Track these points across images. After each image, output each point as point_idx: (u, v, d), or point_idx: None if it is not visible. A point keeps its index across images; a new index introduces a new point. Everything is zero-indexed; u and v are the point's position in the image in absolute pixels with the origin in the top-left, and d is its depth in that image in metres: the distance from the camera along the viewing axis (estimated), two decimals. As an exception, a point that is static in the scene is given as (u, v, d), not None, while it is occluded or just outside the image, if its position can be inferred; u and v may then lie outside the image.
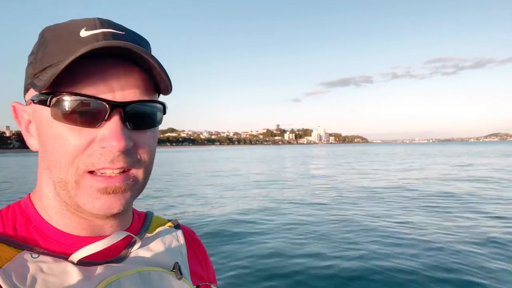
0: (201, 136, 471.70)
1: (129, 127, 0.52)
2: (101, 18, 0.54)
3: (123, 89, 0.51)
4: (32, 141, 0.57)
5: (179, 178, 18.84)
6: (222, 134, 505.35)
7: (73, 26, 0.52)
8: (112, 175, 0.52)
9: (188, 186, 14.66)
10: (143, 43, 0.57)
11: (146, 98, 0.54)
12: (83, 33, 0.51)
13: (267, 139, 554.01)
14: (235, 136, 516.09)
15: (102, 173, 0.51)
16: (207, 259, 0.78)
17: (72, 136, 0.50)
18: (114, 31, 0.52)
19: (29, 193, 0.62)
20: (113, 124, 0.50)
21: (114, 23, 0.55)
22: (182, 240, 0.71)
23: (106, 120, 0.50)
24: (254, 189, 13.43)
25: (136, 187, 0.56)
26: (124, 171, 0.53)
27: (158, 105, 0.57)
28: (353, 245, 5.76)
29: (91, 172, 0.51)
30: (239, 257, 5.28)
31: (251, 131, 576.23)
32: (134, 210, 0.70)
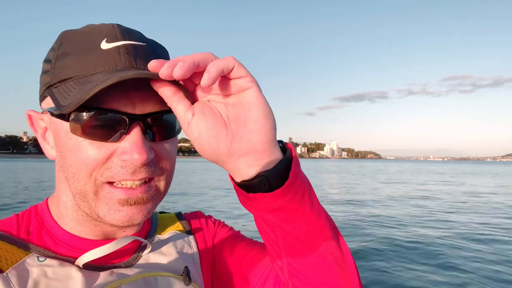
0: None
1: (149, 138, 0.52)
2: (120, 26, 0.53)
3: (142, 102, 0.50)
4: (49, 150, 0.57)
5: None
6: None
7: (93, 35, 0.51)
8: (134, 186, 0.52)
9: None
10: (162, 52, 0.57)
11: (164, 108, 0.52)
12: (104, 45, 0.50)
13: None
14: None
15: (122, 185, 0.51)
16: (217, 233, 0.76)
17: (91, 149, 0.49)
18: (135, 43, 0.52)
19: (47, 198, 0.62)
20: (134, 136, 0.49)
21: (134, 32, 0.54)
22: (194, 245, 0.70)
23: (126, 134, 0.50)
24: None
25: (157, 197, 0.56)
26: (146, 181, 0.53)
27: None
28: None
29: (110, 183, 0.51)
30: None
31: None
32: None
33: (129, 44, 0.51)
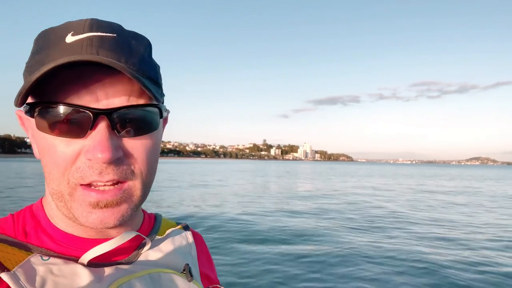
0: (187, 148, 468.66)
1: (118, 134, 0.50)
2: (93, 19, 0.52)
3: (108, 96, 0.49)
4: (35, 149, 0.56)
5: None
6: (209, 147, 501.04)
7: (63, 30, 0.50)
8: (106, 189, 0.50)
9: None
10: (138, 43, 0.54)
11: (135, 103, 0.51)
12: (69, 38, 0.49)
13: (253, 153, 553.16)
14: (221, 150, 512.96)
15: (94, 187, 0.50)
16: (211, 261, 0.78)
17: (60, 147, 0.48)
18: (103, 34, 0.50)
19: (41, 198, 0.62)
20: (98, 133, 0.48)
21: (108, 24, 0.52)
22: (192, 242, 0.71)
23: (91, 129, 0.48)
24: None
25: (132, 200, 0.53)
26: (118, 182, 0.51)
27: (152, 109, 0.53)
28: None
29: (82, 185, 0.50)
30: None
31: (238, 145, 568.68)
32: (144, 212, 0.70)
33: (94, 35, 0.49)
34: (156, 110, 0.54)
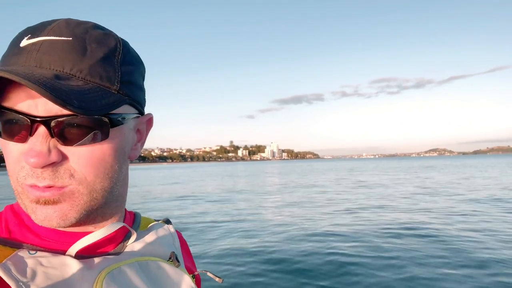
0: (152, 153, 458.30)
1: (58, 141, 0.49)
2: (65, 20, 0.51)
3: (47, 102, 0.47)
4: None
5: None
6: (175, 151, 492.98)
7: (25, 31, 0.50)
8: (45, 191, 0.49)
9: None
10: (98, 48, 0.51)
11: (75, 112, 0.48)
12: (24, 42, 0.49)
13: (221, 155, 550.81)
14: (188, 153, 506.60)
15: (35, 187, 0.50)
16: (190, 255, 0.80)
17: (9, 146, 0.50)
18: (56, 38, 0.48)
19: None
20: (33, 139, 0.48)
21: (74, 25, 0.50)
22: (174, 234, 0.72)
23: (31, 135, 0.48)
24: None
25: (74, 201, 0.51)
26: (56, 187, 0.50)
27: (94, 118, 0.50)
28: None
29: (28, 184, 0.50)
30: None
31: (205, 148, 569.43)
32: (125, 210, 0.70)
33: (45, 40, 0.47)
34: (100, 118, 0.50)
